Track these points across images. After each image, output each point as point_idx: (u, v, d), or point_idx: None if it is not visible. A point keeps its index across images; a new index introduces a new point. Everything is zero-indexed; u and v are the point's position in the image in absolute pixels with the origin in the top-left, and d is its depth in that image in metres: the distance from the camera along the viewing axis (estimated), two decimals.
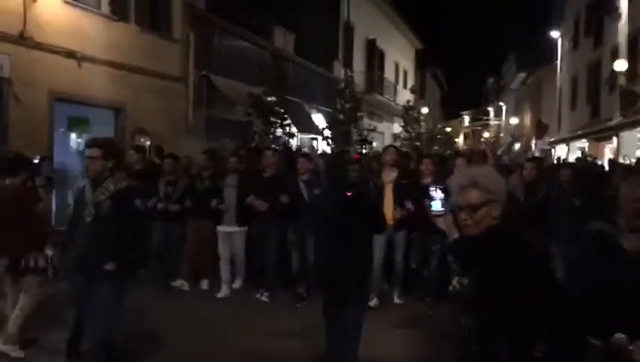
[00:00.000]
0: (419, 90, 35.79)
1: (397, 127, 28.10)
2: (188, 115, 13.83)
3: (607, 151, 20.25)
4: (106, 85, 11.14)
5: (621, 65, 17.56)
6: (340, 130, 17.71)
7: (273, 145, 11.96)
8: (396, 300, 7.08)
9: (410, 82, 35.75)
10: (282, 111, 13.71)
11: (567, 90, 27.64)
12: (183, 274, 7.54)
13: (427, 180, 6.73)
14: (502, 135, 49.77)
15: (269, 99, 13.55)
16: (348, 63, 23.48)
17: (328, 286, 4.50)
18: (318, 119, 20.46)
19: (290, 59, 18.59)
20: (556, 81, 29.40)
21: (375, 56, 27.69)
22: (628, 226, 2.59)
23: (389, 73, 30.45)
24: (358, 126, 18.15)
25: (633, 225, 2.56)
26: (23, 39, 9.35)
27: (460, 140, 57.81)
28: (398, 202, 6.73)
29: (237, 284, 7.54)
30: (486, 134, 56.40)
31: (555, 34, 29.41)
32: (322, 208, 4.70)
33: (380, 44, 28.12)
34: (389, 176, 6.91)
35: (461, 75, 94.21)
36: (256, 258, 7.60)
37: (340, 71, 22.32)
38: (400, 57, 33.41)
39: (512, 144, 39.33)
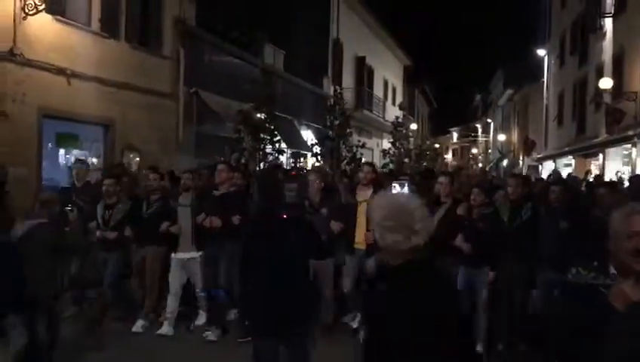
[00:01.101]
0: (407, 107, 36.08)
1: (386, 143, 28.24)
2: (178, 131, 13.84)
3: (593, 168, 20.49)
4: (96, 101, 11.13)
5: (606, 83, 17.82)
6: (329, 146, 17.77)
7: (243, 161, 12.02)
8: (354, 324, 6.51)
9: (399, 99, 36.04)
10: (272, 127, 13.75)
11: (553, 107, 27.98)
12: (145, 312, 6.59)
13: None
14: (490, 151, 50.16)
15: (258, 115, 13.60)
16: (337, 80, 23.64)
17: (256, 321, 4.01)
18: (307, 135, 20.54)
19: (280, 76, 18.69)
20: (543, 98, 29.76)
21: (364, 73, 27.89)
22: (623, 271, 1.91)
23: (377, 90, 30.67)
24: (348, 142, 18.23)
25: (631, 268, 1.86)
26: (12, 56, 9.34)
27: (448, 156, 58.22)
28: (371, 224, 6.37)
29: (201, 320, 6.66)
30: (474, 150, 56.84)
31: (541, 52, 29.83)
32: (252, 231, 4.17)
33: (369, 60, 28.36)
34: (364, 194, 6.46)
35: (449, 91, 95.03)
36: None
37: (329, 87, 22.46)
38: (389, 74, 33.69)
39: (500, 160, 39.63)
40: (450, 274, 4.30)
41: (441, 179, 6.55)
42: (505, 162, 37.79)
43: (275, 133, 14.05)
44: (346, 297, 6.64)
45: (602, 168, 18.62)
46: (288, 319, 3.83)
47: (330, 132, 18.04)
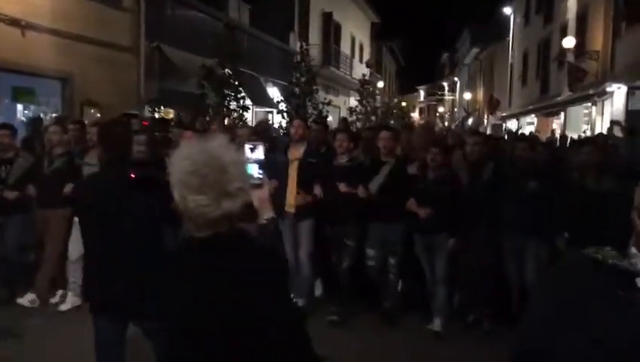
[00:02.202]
0: (375, 64, 35.91)
1: (353, 101, 28.18)
2: (140, 86, 13.50)
3: (556, 126, 20.91)
4: (52, 54, 10.72)
5: (569, 42, 18.04)
6: (295, 104, 17.64)
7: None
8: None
9: (367, 56, 35.80)
10: (236, 83, 13.54)
11: (518, 66, 28.26)
12: (36, 286, 5.80)
13: (342, 159, 5.72)
14: (456, 110, 50.58)
15: (222, 71, 13.36)
16: (304, 36, 23.29)
17: (92, 297, 3.30)
18: (273, 92, 20.32)
19: (245, 31, 18.31)
20: (508, 57, 29.99)
21: (331, 29, 27.53)
22: None
23: (345, 46, 30.37)
24: (314, 99, 18.11)
25: None
26: None
27: (415, 115, 58.50)
28: (303, 185, 5.63)
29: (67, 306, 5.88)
30: (441, 109, 57.25)
31: (507, 10, 29.92)
32: (93, 193, 3.27)
33: (336, 16, 27.96)
34: (296, 152, 5.80)
35: (417, 49, 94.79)
36: None
37: (295, 43, 22.13)
38: (356, 31, 33.33)
39: (465, 119, 40.05)
40: (277, 252, 3.24)
41: (383, 133, 5.76)
42: (470, 121, 38.20)
43: (240, 89, 13.85)
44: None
45: (564, 127, 19.01)
46: (131, 296, 2.99)
47: (297, 89, 17.89)
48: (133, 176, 3.27)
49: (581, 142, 7.02)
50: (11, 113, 10.69)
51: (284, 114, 16.85)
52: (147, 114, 12.05)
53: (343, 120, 15.08)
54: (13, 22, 9.90)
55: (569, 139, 11.81)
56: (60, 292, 5.91)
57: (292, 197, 5.66)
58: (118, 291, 3.07)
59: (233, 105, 13.31)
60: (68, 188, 5.37)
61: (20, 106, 11.01)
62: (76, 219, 5.36)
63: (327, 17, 27.13)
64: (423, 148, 5.87)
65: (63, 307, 5.71)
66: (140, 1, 13.28)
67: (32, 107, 10.99)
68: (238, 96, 13.48)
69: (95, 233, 3.27)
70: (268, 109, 19.59)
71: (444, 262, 5.41)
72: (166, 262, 1.90)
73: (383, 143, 5.66)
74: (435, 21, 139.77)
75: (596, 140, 7.60)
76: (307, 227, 5.71)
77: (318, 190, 5.57)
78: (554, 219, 5.08)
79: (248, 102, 14.87)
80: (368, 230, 5.65)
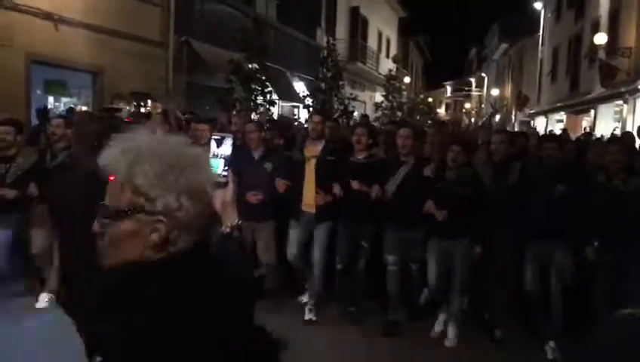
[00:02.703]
0: (401, 60, 35.71)
1: (379, 97, 28.10)
2: (168, 80, 13.69)
3: (585, 124, 20.58)
4: (85, 48, 10.97)
5: (601, 38, 17.69)
6: (321, 99, 17.69)
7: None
8: (308, 315, 5.55)
9: (393, 51, 35.62)
10: (263, 78, 13.63)
11: (547, 62, 27.82)
12: (49, 285, 5.49)
13: (360, 156, 5.47)
14: (483, 106, 50.05)
15: (250, 65, 13.47)
16: (330, 31, 23.29)
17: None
18: (300, 87, 20.39)
19: (272, 26, 18.40)
20: (538, 53, 29.55)
21: (358, 24, 27.46)
22: None
23: (372, 41, 30.27)
24: (340, 95, 18.13)
25: None
26: None
27: (441, 110, 58.08)
28: (322, 184, 5.37)
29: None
30: (467, 105, 56.70)
31: (538, 5, 29.45)
32: (60, 188, 3.09)
33: (363, 11, 27.88)
34: (313, 149, 5.52)
35: (444, 44, 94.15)
36: None
37: (322, 38, 22.14)
38: (383, 25, 33.19)
39: (492, 115, 39.61)
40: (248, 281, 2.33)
41: (402, 131, 5.37)
42: (497, 117, 37.79)
43: (267, 83, 13.95)
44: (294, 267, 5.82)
45: (593, 125, 18.70)
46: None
47: (323, 84, 17.92)
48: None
49: (607, 141, 6.37)
50: (43, 105, 10.95)
51: (310, 109, 16.92)
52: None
53: (363, 116, 15.06)
54: (47, 16, 10.15)
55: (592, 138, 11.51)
56: (47, 295, 5.46)
57: (310, 196, 5.42)
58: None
59: (260, 99, 13.41)
60: (32, 188, 5.21)
61: (51, 98, 11.27)
62: None
63: (354, 12, 27.06)
64: (444, 145, 5.48)
65: (40, 304, 5.39)
66: None
67: (64, 99, 11.24)
68: (265, 90, 13.58)
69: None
70: (294, 104, 19.66)
71: (463, 270, 5.03)
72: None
73: (402, 141, 5.27)
74: (464, 16, 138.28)
75: (622, 139, 6.94)
76: (324, 229, 5.50)
77: (337, 189, 5.26)
78: (582, 224, 4.75)
79: (275, 96, 14.96)
80: (385, 234, 5.36)
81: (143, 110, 9.63)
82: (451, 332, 5.14)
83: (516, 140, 6.90)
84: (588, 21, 20.96)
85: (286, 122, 8.82)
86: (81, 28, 10.88)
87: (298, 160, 5.54)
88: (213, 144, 1.98)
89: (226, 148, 2.07)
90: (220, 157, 1.93)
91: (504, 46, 38.32)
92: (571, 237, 4.79)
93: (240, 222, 1.66)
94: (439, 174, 5.10)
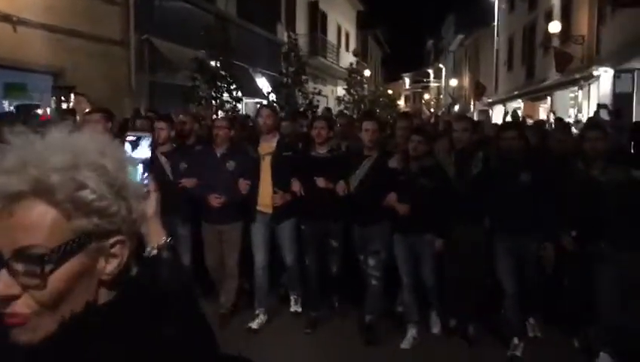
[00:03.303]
0: (361, 53, 35.96)
1: (341, 90, 28.24)
2: (130, 79, 13.49)
3: (542, 111, 21.17)
4: (44, 49, 10.68)
5: (555, 27, 18.24)
6: (285, 94, 17.70)
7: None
8: (293, 307, 5.55)
9: (353, 45, 35.86)
10: (228, 75, 13.57)
11: (503, 52, 28.49)
12: None
13: (322, 150, 5.19)
14: (442, 97, 50.83)
15: (213, 63, 13.39)
16: (291, 26, 23.28)
17: None
18: (262, 83, 20.34)
19: (233, 22, 18.30)
20: (493, 43, 30.19)
21: (317, 19, 27.55)
22: None
23: (331, 36, 30.40)
24: (304, 89, 18.18)
25: None
26: None
27: (401, 103, 58.70)
28: (279, 182, 5.10)
29: None
30: (427, 96, 57.49)
31: None
32: None
33: (322, 6, 27.98)
34: (267, 146, 5.19)
35: (402, 37, 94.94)
36: None
37: (282, 34, 22.13)
38: (342, 19, 33.36)
39: (452, 105, 40.28)
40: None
41: (367, 124, 5.07)
42: (457, 107, 38.45)
43: (231, 80, 13.89)
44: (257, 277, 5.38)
45: (550, 110, 19.26)
46: None
47: (286, 79, 17.94)
48: None
49: (585, 126, 6.01)
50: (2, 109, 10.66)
51: (275, 105, 16.89)
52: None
53: (326, 110, 15.11)
54: (5, 17, 9.85)
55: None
56: None
57: (267, 196, 5.10)
58: None
59: (225, 96, 13.35)
60: None
61: (6, 102, 10.95)
62: None
63: (313, 7, 27.13)
64: (405, 136, 5.33)
65: None
66: None
67: (25, 102, 10.94)
68: (231, 88, 13.52)
69: None
70: (258, 100, 19.62)
71: (429, 266, 4.85)
72: None
73: (368, 135, 4.98)
74: (419, 8, 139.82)
75: (598, 124, 6.13)
76: (289, 228, 5.23)
77: (296, 186, 5.04)
78: (557, 214, 4.52)
79: (239, 93, 14.91)
80: (352, 232, 5.19)
81: (65, 106, 8.90)
82: (411, 332, 4.97)
83: (478, 128, 6.59)
84: (541, 10, 21.54)
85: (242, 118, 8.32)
86: (39, 29, 10.58)
87: (253, 158, 5.21)
88: (127, 146, 1.54)
89: (144, 150, 1.63)
90: (138, 163, 1.43)
91: (460, 37, 39.00)
92: (542, 228, 4.55)
93: (170, 239, 1.29)
94: (404, 166, 4.91)
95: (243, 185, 5.01)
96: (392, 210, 4.77)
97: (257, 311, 5.30)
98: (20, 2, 10.13)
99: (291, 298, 5.60)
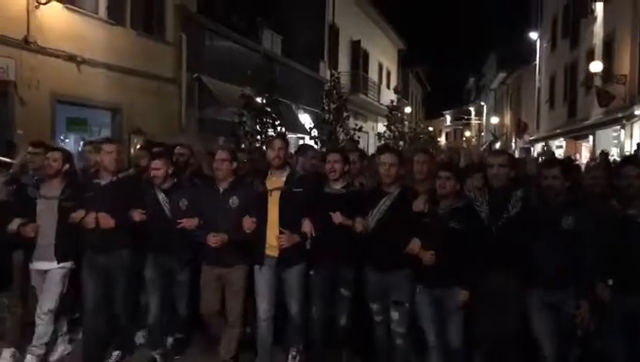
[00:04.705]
0: (402, 90, 36.44)
1: (381, 127, 28.63)
2: (181, 115, 14.22)
3: (584, 150, 21.05)
4: (104, 87, 11.54)
5: (596, 66, 18.29)
6: (327, 130, 18.17)
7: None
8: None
9: (394, 82, 36.39)
10: (273, 112, 14.15)
11: (545, 90, 28.48)
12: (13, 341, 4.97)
13: (336, 186, 4.65)
14: (483, 134, 50.68)
15: (259, 100, 13.99)
16: (333, 64, 23.99)
17: None
18: (305, 119, 20.93)
19: (278, 61, 19.04)
20: (535, 81, 30.23)
21: (359, 57, 28.21)
22: None
23: (372, 73, 31.01)
24: (345, 126, 18.62)
25: None
26: (26, 44, 9.76)
27: (442, 139, 58.73)
28: (286, 221, 4.51)
29: (56, 355, 5.05)
30: (467, 133, 57.38)
31: (533, 35, 30.28)
32: None
33: (364, 44, 28.67)
34: (276, 180, 4.64)
35: (443, 75, 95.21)
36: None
37: (325, 71, 22.81)
38: (383, 58, 34.00)
39: (493, 143, 40.15)
40: None
41: (385, 157, 4.51)
42: (498, 145, 38.31)
43: (274, 116, 14.45)
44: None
45: (593, 150, 19.16)
46: None
47: (328, 115, 18.44)
48: None
49: (621, 162, 5.45)
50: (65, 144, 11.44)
51: (317, 140, 17.37)
52: None
53: (349, 140, 14.98)
54: (70, 58, 10.72)
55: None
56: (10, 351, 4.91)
57: (273, 237, 4.50)
58: None
59: (271, 132, 13.90)
60: (14, 224, 4.65)
61: (72, 135, 11.73)
62: (32, 267, 4.83)
63: (355, 45, 27.83)
64: (422, 172, 4.91)
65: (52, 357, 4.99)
66: (182, 35, 14.06)
67: (85, 136, 11.71)
68: (275, 123, 14.08)
69: None
70: (300, 135, 20.16)
71: (458, 324, 4.14)
72: None
73: (385, 169, 4.44)
74: (461, 47, 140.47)
75: (636, 160, 5.14)
76: (297, 274, 4.59)
77: (308, 227, 4.47)
78: (594, 262, 4.01)
79: (283, 129, 15.45)
80: (365, 278, 4.55)
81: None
82: None
83: (516, 165, 5.49)
84: (583, 49, 21.62)
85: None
86: (101, 67, 11.45)
87: (259, 193, 4.65)
88: None
89: None
90: None
91: (502, 75, 39.08)
92: (579, 282, 4.00)
93: None
94: (431, 206, 4.28)
95: (248, 222, 4.47)
96: (415, 258, 4.12)
97: None
98: (83, 43, 11.03)
99: (290, 354, 4.81)
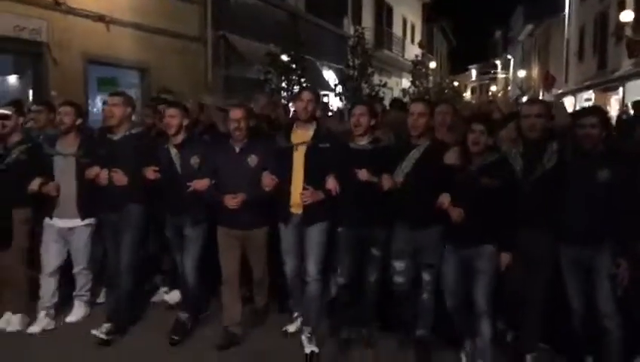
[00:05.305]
0: (426, 45, 35.94)
1: (405, 82, 28.47)
2: (207, 74, 14.37)
3: (614, 102, 20.71)
4: (132, 47, 11.75)
5: (627, 15, 17.83)
6: (352, 86, 18.19)
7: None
8: (307, 348, 4.35)
9: (418, 37, 35.88)
10: (298, 69, 14.24)
11: (574, 42, 27.81)
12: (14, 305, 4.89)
13: (362, 142, 4.34)
14: (510, 88, 49.85)
15: (283, 57, 14.08)
16: (357, 20, 23.75)
17: None
18: (329, 75, 20.92)
19: (302, 17, 18.95)
20: (564, 33, 29.52)
21: (383, 12, 27.85)
22: None
23: (397, 28, 30.60)
24: (369, 82, 18.62)
25: None
26: (57, 5, 9.96)
27: (467, 94, 57.98)
28: (312, 177, 4.27)
29: (76, 315, 5.03)
30: (493, 88, 56.49)
31: None
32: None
33: None
34: (302, 134, 4.39)
35: (468, 28, 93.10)
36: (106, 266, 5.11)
37: (349, 27, 22.62)
38: (407, 12, 33.44)
39: (519, 97, 39.55)
40: None
41: (414, 106, 4.27)
42: (524, 99, 37.73)
43: (299, 72, 14.54)
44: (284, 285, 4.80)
45: (622, 102, 18.86)
46: None
47: (352, 72, 18.43)
48: None
49: None
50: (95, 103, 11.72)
51: (342, 97, 17.44)
52: None
53: (394, 100, 15.16)
54: (100, 18, 10.91)
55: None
56: (7, 314, 4.87)
57: (298, 194, 4.27)
58: None
59: (296, 88, 14.01)
60: (34, 184, 4.60)
61: (98, 96, 11.99)
62: (46, 221, 4.81)
63: (379, 0, 27.43)
64: (444, 124, 4.67)
65: (34, 328, 4.78)
66: None
67: None
68: (301, 80, 14.18)
69: None
70: (324, 92, 20.21)
71: (484, 287, 3.87)
72: None
73: (413, 120, 4.15)
74: None
75: None
76: (317, 232, 4.33)
77: (332, 184, 4.19)
78: (633, 218, 3.71)
79: (308, 85, 15.54)
80: (393, 235, 4.33)
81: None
82: None
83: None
84: None
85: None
86: (129, 27, 11.63)
87: (283, 148, 4.41)
88: None
89: None
90: None
91: (529, 27, 38.15)
92: (616, 239, 3.76)
93: None
94: (464, 161, 4.00)
95: (267, 179, 4.24)
96: (444, 214, 3.89)
97: (295, 314, 4.78)
98: (111, 3, 11.18)
99: (304, 336, 4.44)
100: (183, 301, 4.88)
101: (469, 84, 64.65)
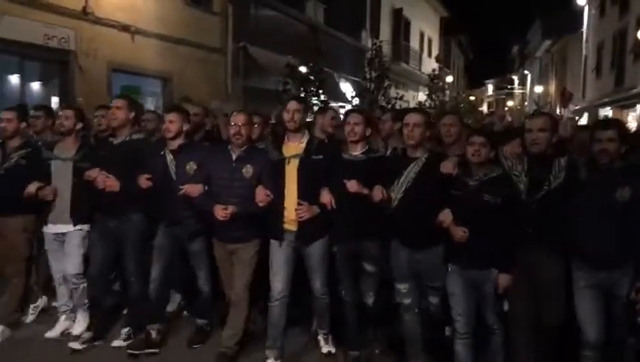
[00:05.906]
0: (443, 59, 36.05)
1: (422, 96, 28.58)
2: (227, 84, 14.66)
3: (631, 119, 20.66)
4: (156, 57, 12.08)
5: None
6: (368, 99, 18.36)
7: None
8: (324, 348, 4.43)
9: (435, 51, 36.01)
10: (316, 80, 14.45)
11: (592, 58, 27.80)
12: (8, 311, 4.85)
13: (355, 152, 4.10)
14: (526, 103, 49.73)
15: (302, 69, 14.31)
16: (375, 33, 23.98)
17: None
18: (346, 87, 21.12)
19: (321, 30, 19.20)
20: (582, 49, 29.51)
21: (401, 25, 28.05)
22: None
23: (414, 42, 30.79)
24: (386, 94, 18.77)
25: None
26: (85, 14, 10.30)
27: (483, 109, 57.88)
28: (306, 191, 4.07)
29: (78, 328, 4.79)
30: (510, 103, 56.36)
31: (581, 1, 29.41)
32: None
33: (405, 12, 28.47)
34: (294, 146, 4.18)
35: (486, 42, 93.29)
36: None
37: (367, 40, 22.84)
38: (425, 26, 33.64)
39: (536, 112, 39.42)
40: None
41: (410, 117, 3.93)
42: None
43: (317, 84, 14.75)
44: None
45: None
46: None
47: (369, 84, 18.60)
48: None
49: None
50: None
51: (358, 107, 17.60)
52: None
53: (382, 108, 15.18)
54: (125, 28, 11.24)
55: None
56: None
57: (292, 209, 4.07)
58: None
59: (314, 100, 14.22)
60: (32, 187, 4.47)
61: None
62: (44, 229, 4.72)
63: (397, 14, 27.68)
64: (450, 136, 4.37)
65: (52, 333, 4.77)
66: (228, 5, 14.42)
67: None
68: (319, 92, 14.39)
69: None
70: (341, 104, 20.38)
71: (495, 310, 3.76)
72: None
73: (408, 130, 3.88)
74: (505, 13, 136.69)
75: None
76: (319, 250, 4.17)
77: (327, 198, 4.00)
78: None
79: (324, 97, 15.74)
80: (392, 255, 4.05)
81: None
82: None
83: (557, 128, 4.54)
84: (633, 16, 21.03)
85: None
86: (153, 38, 11.94)
87: (274, 161, 4.19)
88: None
89: None
90: None
91: (547, 42, 38.16)
92: (636, 261, 3.49)
93: None
94: (461, 176, 3.76)
95: (261, 194, 4.02)
96: (447, 232, 3.68)
97: (267, 353, 4.22)
98: (137, 14, 11.52)
99: (320, 336, 4.51)
100: (200, 308, 4.81)
101: (485, 99, 64.54)
